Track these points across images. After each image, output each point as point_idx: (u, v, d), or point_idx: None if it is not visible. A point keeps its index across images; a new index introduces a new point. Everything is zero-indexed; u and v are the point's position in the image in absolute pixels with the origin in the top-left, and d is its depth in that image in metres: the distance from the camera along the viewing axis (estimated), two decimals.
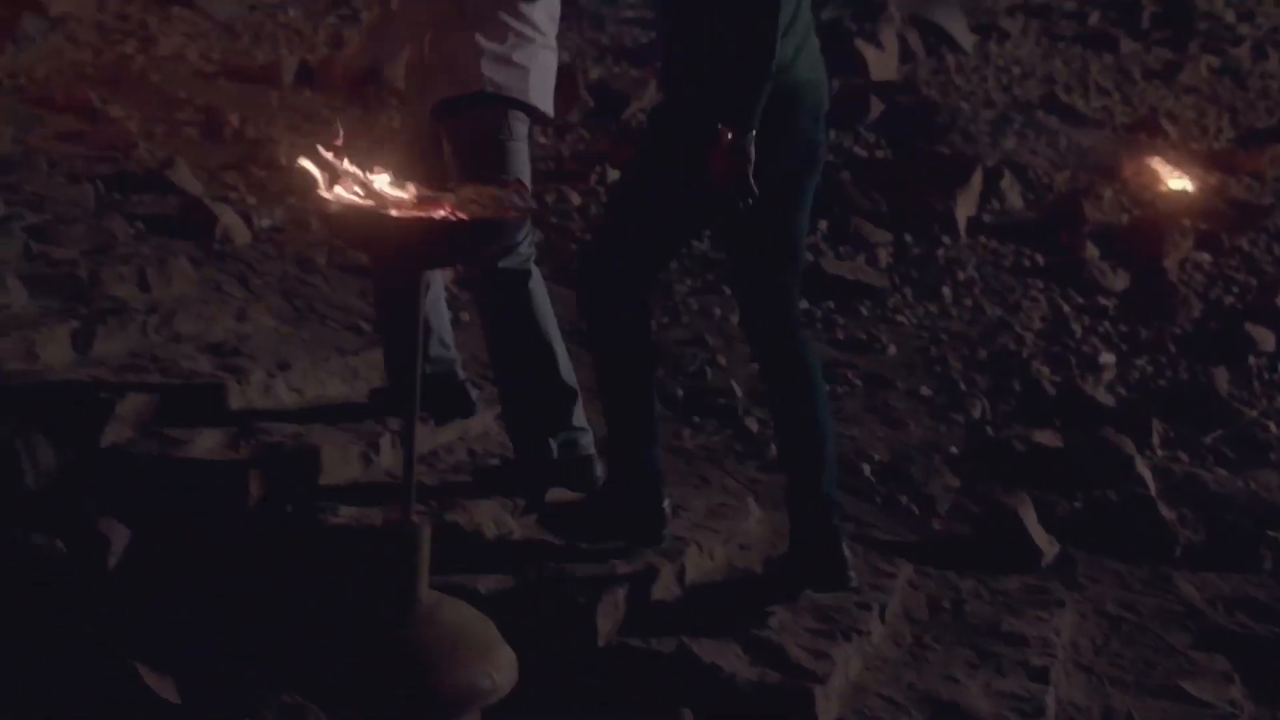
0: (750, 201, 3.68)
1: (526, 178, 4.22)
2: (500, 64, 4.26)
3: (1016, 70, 13.16)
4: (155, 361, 4.92)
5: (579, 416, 4.43)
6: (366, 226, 3.33)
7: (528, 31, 4.31)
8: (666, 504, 4.24)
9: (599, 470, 4.37)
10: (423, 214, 3.32)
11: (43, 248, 5.95)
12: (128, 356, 5.01)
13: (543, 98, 4.38)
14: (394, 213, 3.31)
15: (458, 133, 4.30)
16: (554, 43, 4.47)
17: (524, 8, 4.31)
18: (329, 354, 5.32)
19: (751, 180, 3.64)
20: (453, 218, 3.31)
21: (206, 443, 4.43)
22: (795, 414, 4.15)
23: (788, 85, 3.84)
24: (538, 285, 4.40)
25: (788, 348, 4.15)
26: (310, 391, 5.04)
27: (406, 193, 3.39)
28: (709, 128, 3.64)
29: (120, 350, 5.07)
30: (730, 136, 3.61)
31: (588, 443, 4.42)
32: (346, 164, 3.40)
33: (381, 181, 3.42)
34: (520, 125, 4.34)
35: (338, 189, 3.36)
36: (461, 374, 4.81)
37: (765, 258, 4.09)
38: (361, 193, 3.35)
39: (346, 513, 4.18)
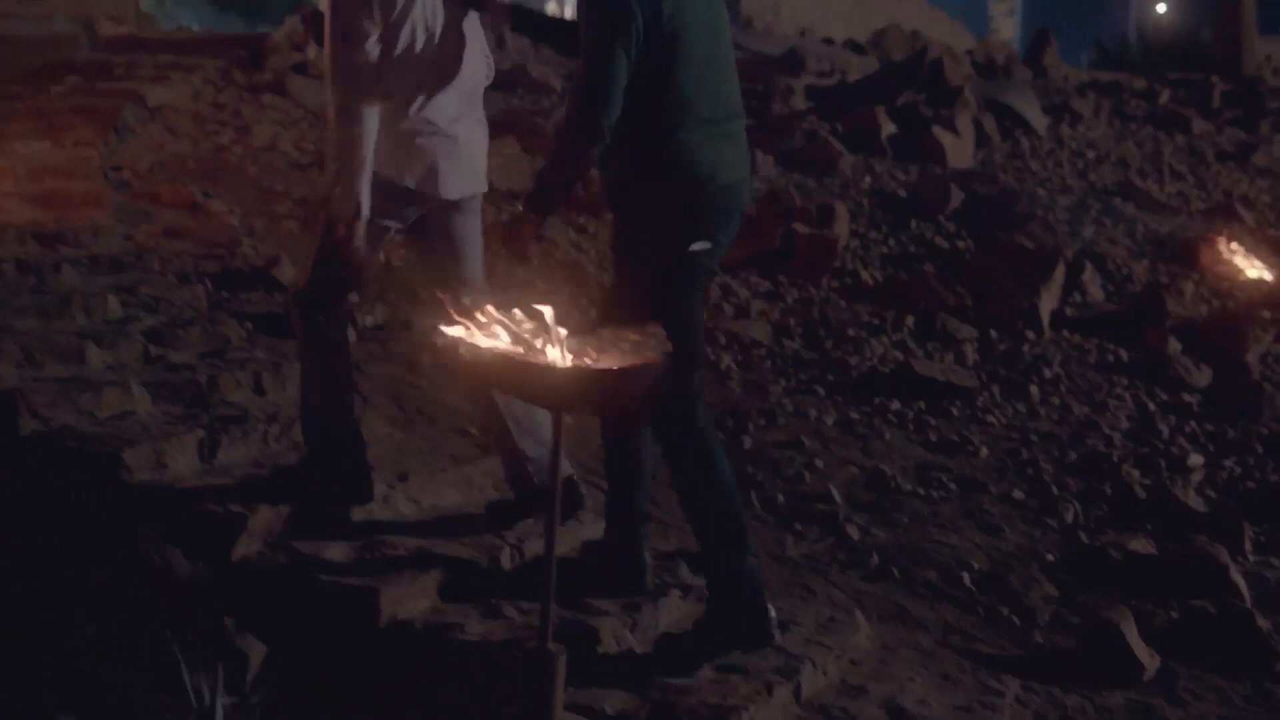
0: None
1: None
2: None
3: (1090, 154, 13.26)
4: (278, 471, 5.08)
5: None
6: (517, 375, 3.49)
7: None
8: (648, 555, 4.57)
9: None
10: (571, 363, 3.47)
11: (160, 350, 6.19)
12: (252, 465, 5.20)
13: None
14: (542, 361, 3.47)
15: None
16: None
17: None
18: (445, 463, 5.48)
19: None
20: (600, 366, 3.46)
21: (333, 556, 4.59)
22: (698, 479, 4.36)
23: (721, 188, 4.21)
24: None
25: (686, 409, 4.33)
26: (428, 501, 5.20)
27: (552, 335, 3.55)
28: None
29: (244, 459, 5.26)
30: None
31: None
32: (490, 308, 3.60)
33: (523, 321, 3.61)
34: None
35: (484, 331, 3.55)
36: (569, 468, 4.94)
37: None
38: (509, 337, 3.53)
39: (476, 630, 4.32)
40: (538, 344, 3.56)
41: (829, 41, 16.96)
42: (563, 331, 3.54)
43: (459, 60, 4.79)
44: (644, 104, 4.14)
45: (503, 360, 3.49)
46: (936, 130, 11.81)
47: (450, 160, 4.77)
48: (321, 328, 4.91)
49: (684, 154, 4.19)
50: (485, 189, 4.96)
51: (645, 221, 4.26)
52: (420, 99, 4.70)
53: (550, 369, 3.45)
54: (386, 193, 4.71)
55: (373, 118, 4.60)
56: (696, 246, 4.20)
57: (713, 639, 4.36)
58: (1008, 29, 40.98)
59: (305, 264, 4.95)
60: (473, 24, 4.86)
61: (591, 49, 4.09)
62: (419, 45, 4.65)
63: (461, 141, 4.80)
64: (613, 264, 4.53)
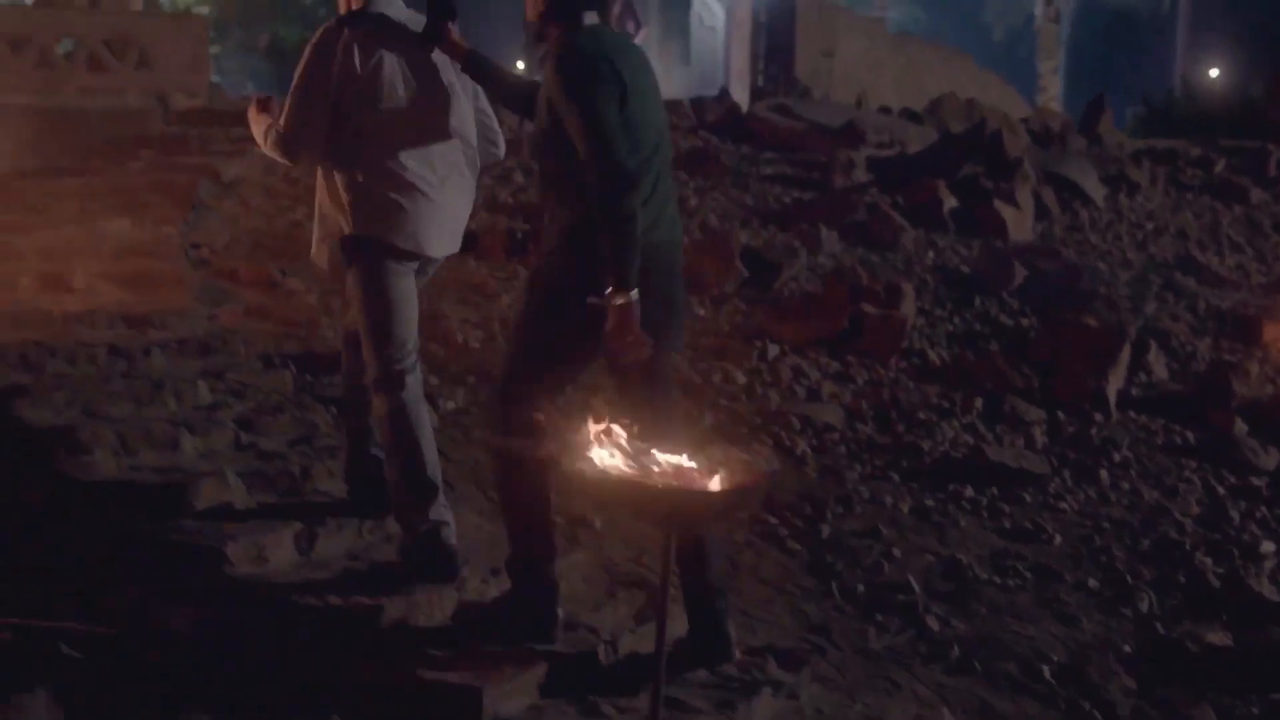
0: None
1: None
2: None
3: (1149, 225, 13.33)
4: (375, 567, 5.21)
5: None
6: (636, 497, 3.62)
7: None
8: (561, 612, 4.83)
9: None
10: (682, 484, 3.60)
11: (251, 438, 6.35)
12: (347, 559, 5.33)
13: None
14: (655, 483, 3.60)
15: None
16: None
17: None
18: None
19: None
20: (711, 488, 3.59)
21: (435, 652, 4.71)
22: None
23: (648, 246, 4.47)
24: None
25: None
26: None
27: (663, 456, 3.68)
28: (600, 311, 4.41)
29: (340, 552, 5.39)
30: (619, 304, 4.38)
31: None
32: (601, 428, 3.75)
33: (632, 441, 3.75)
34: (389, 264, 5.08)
35: (597, 452, 3.70)
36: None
37: (645, 394, 4.67)
38: (621, 459, 3.66)
39: None
40: (650, 463, 3.69)
41: (886, 110, 17.09)
42: (681, 458, 3.67)
43: (438, 122, 5.12)
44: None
45: (622, 482, 3.61)
46: (998, 204, 11.92)
47: (431, 220, 5.10)
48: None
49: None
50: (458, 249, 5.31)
51: (575, 270, 4.55)
52: (400, 158, 5.03)
53: (669, 492, 3.57)
54: (384, 249, 5.05)
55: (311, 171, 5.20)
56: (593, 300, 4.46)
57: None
58: (1054, 85, 41.03)
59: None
60: (459, 90, 5.19)
61: (588, 116, 4.42)
62: (392, 104, 5.00)
63: (443, 204, 5.13)
64: (524, 301, 4.84)
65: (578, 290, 4.49)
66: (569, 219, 4.57)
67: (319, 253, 5.46)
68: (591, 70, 4.45)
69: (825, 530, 6.63)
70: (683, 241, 4.92)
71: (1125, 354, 9.06)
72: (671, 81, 26.61)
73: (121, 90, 13.60)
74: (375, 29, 5.03)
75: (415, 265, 5.21)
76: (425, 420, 5.20)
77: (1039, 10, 42.23)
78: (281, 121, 5.05)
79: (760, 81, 22.31)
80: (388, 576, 5.10)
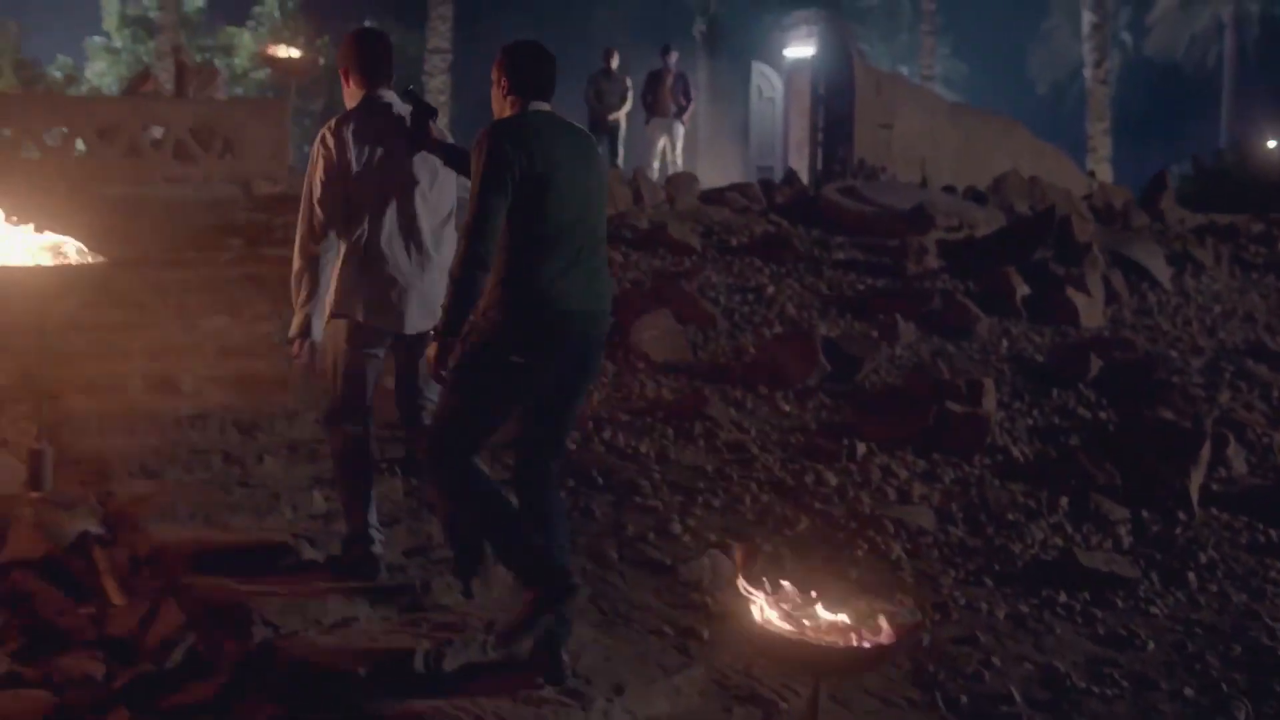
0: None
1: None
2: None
3: (1216, 309, 13.44)
4: (499, 682, 5.41)
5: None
6: (795, 652, 3.81)
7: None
8: None
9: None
10: (839, 642, 3.80)
11: None
12: (473, 675, 5.53)
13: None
14: (817, 642, 3.79)
15: None
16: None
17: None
18: (655, 673, 5.76)
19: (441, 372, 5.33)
20: (870, 645, 3.78)
21: None
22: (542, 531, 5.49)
23: (560, 313, 5.26)
24: None
25: (546, 487, 5.62)
26: (642, 713, 5.49)
27: (820, 614, 3.88)
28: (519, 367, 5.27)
29: (465, 667, 5.58)
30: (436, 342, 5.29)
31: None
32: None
33: (793, 597, 3.95)
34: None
35: (766, 611, 3.91)
36: None
37: (548, 434, 5.59)
38: (783, 618, 3.87)
39: None
40: (804, 617, 3.88)
41: (950, 190, 17.28)
42: (837, 616, 3.86)
43: (412, 205, 5.90)
44: (514, 237, 5.25)
45: (784, 639, 3.80)
46: (1070, 292, 12.07)
47: (409, 299, 5.89)
48: (350, 438, 6.14)
49: (540, 283, 5.25)
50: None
51: (495, 332, 5.27)
52: (381, 241, 5.82)
53: (830, 650, 3.76)
54: (361, 329, 5.87)
55: (327, 254, 5.83)
56: (516, 359, 5.25)
57: None
58: (1104, 146, 41.03)
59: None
60: (441, 176, 6.01)
61: (476, 191, 5.20)
62: (374, 190, 5.79)
63: (420, 284, 5.91)
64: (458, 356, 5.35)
65: (502, 348, 5.24)
66: (493, 281, 5.25)
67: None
68: (490, 153, 5.20)
69: (925, 638, 6.77)
70: (607, 312, 5.56)
71: (1205, 450, 9.17)
72: (729, 153, 26.90)
73: (207, 177, 13.93)
74: (378, 123, 5.89)
75: (389, 340, 6.03)
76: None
77: (1089, 72, 42.19)
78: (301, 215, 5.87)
79: (820, 156, 22.51)
80: (517, 692, 5.30)
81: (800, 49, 23.23)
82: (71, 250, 6.82)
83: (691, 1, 53.79)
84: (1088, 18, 41.85)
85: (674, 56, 24.07)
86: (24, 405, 8.28)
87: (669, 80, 23.55)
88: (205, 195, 13.48)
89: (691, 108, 23.84)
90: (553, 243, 5.27)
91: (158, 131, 14.72)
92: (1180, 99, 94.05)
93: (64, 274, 6.87)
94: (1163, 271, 13.97)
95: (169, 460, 7.38)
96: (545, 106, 5.51)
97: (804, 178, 23.33)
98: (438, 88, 38.24)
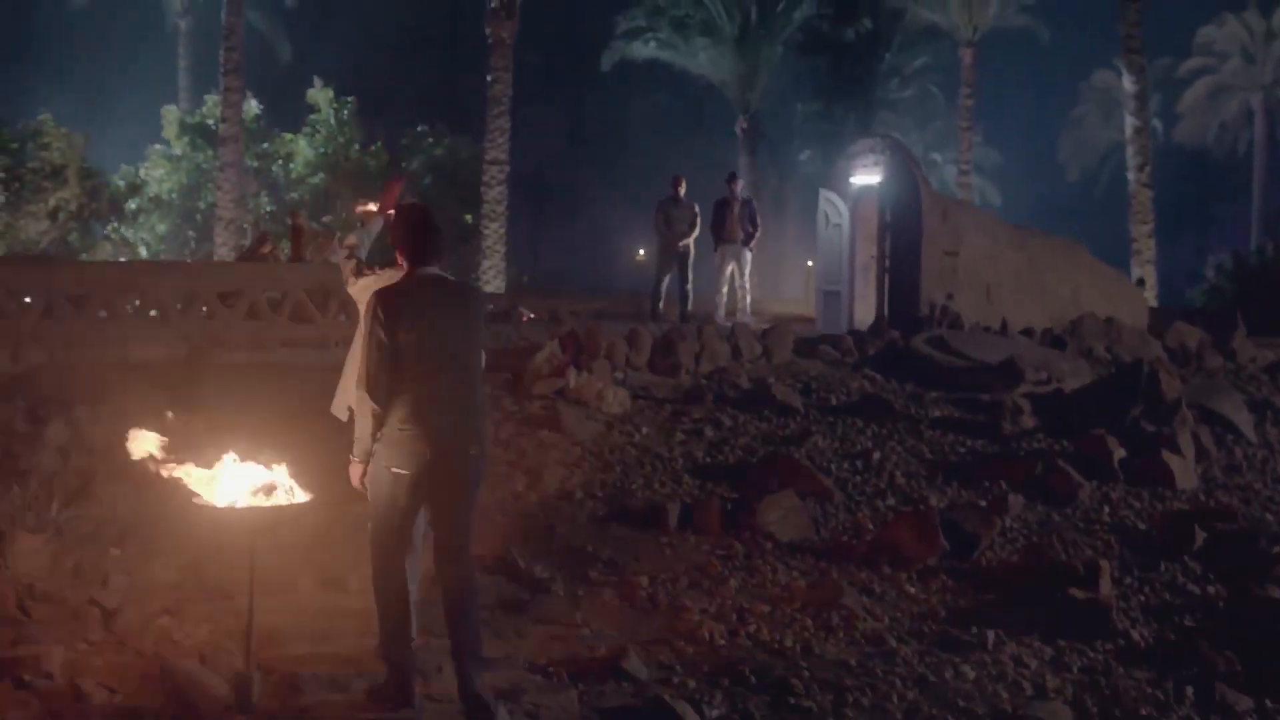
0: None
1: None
2: None
3: None
4: None
5: None
6: None
7: None
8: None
9: None
10: None
11: None
12: None
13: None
14: None
15: None
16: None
17: None
18: None
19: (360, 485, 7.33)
20: None
21: None
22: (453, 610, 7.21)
23: (439, 446, 7.02)
24: None
25: (464, 579, 7.29)
26: None
27: None
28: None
29: None
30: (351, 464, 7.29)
31: None
32: None
33: None
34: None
35: None
36: None
37: (443, 540, 7.34)
38: None
39: None
40: None
41: (1028, 333, 17.74)
42: None
43: (449, 371, 7.13)
44: (395, 379, 7.00)
45: None
46: (1165, 455, 12.48)
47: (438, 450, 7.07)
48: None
49: (408, 410, 7.01)
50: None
51: (383, 451, 7.10)
52: (420, 401, 7.03)
53: None
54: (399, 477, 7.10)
55: (374, 406, 7.08)
56: (397, 470, 7.07)
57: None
58: (1148, 249, 41.60)
59: None
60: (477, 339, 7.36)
61: (364, 348, 7.14)
62: (412, 357, 7.01)
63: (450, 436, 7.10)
64: None
65: (387, 461, 7.08)
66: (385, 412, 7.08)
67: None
68: (374, 309, 7.04)
69: None
70: (469, 449, 7.19)
71: None
72: (792, 281, 27.43)
73: (323, 339, 14.43)
74: (424, 296, 7.15)
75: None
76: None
77: (1132, 175, 42.68)
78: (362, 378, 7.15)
79: (887, 282, 23.03)
80: None
81: (866, 176, 23.73)
82: (282, 487, 7.28)
83: (731, 98, 54.66)
84: (1130, 122, 42.34)
85: (739, 185, 24.73)
86: (200, 606, 8.77)
87: (736, 208, 24.18)
88: (327, 360, 13.92)
89: (758, 235, 24.44)
90: (423, 379, 7.03)
91: None
92: (1211, 185, 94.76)
93: (277, 513, 7.34)
94: (1246, 423, 14.36)
95: (357, 674, 7.77)
96: (431, 270, 7.27)
97: (872, 306, 23.83)
98: (495, 198, 38.82)
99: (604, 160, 71.85)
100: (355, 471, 7.28)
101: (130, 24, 61.65)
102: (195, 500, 7.25)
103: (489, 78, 38.78)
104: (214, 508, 7.18)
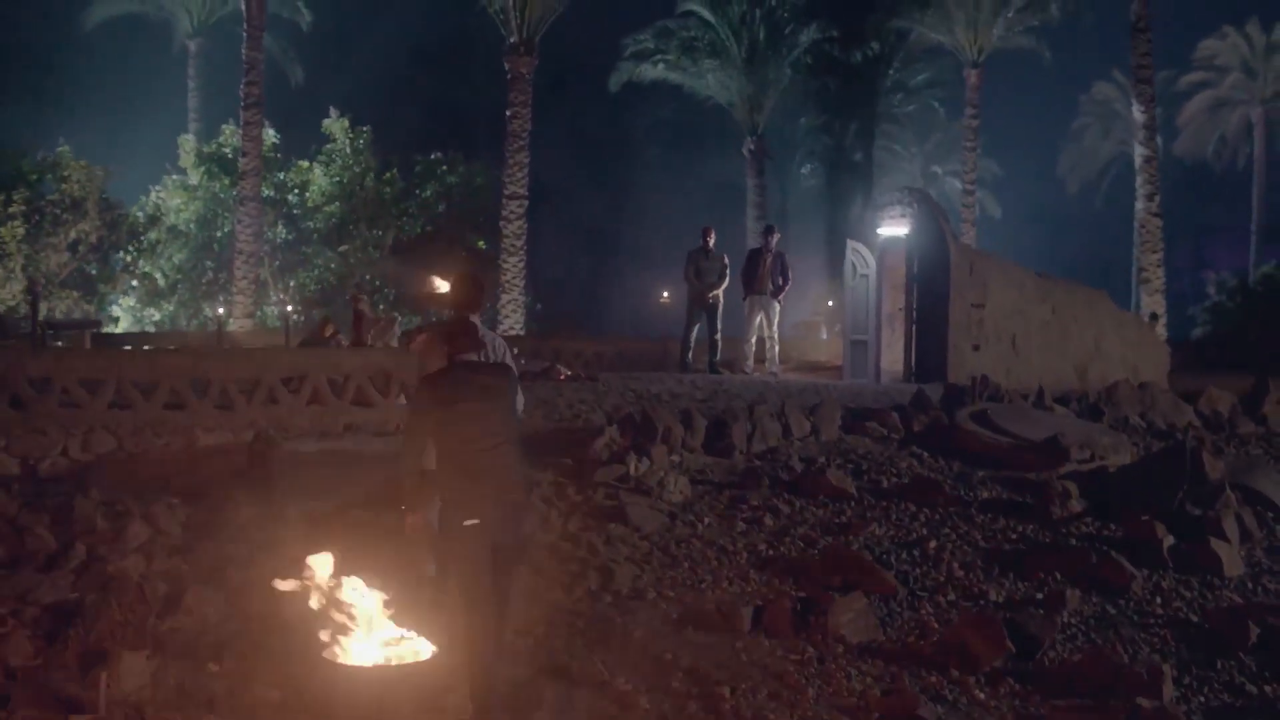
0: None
1: None
2: None
3: None
4: None
5: None
6: None
7: None
8: None
9: None
10: None
11: None
12: None
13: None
14: None
15: None
16: None
17: None
18: None
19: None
20: None
21: None
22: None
23: (470, 507, 8.71)
24: None
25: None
26: None
27: None
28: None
29: None
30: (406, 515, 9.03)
31: None
32: None
33: None
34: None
35: None
36: None
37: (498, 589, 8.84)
38: None
39: None
40: None
41: (1064, 401, 18.05)
42: None
43: (474, 441, 8.81)
44: (438, 447, 8.79)
45: None
46: (1213, 543, 12.77)
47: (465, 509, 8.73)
48: None
49: (449, 474, 8.75)
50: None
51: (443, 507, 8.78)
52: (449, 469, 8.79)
53: None
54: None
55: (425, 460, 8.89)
56: (468, 523, 8.63)
57: None
58: (1158, 278, 41.98)
59: None
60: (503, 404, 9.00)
61: (407, 421, 9.10)
62: (448, 431, 8.74)
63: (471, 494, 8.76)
64: None
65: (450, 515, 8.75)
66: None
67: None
68: (416, 399, 8.97)
69: None
70: (506, 484, 8.85)
71: None
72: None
73: (384, 422, 14.76)
74: (458, 377, 8.83)
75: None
76: None
77: (1140, 204, 43.09)
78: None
79: (914, 333, 23.36)
80: None
81: (893, 228, 24.11)
82: (408, 644, 7.61)
83: (739, 119, 55.02)
84: (1140, 151, 42.78)
85: (775, 238, 25.10)
86: None
87: (768, 260, 24.56)
88: (389, 446, 14.24)
89: (788, 287, 24.82)
90: (458, 449, 8.74)
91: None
92: (1210, 199, 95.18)
93: (402, 674, 7.66)
94: None
95: None
96: (470, 357, 9.05)
97: (898, 354, 24.15)
98: (515, 232, 39.16)
99: (612, 185, 72.23)
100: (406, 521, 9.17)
101: (140, 46, 61.96)
102: (325, 656, 7.55)
103: (508, 112, 39.16)
104: (345, 666, 7.48)
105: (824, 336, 40.02)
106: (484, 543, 8.59)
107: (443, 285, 18.71)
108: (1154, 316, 39.34)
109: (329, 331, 20.00)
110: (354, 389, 15.32)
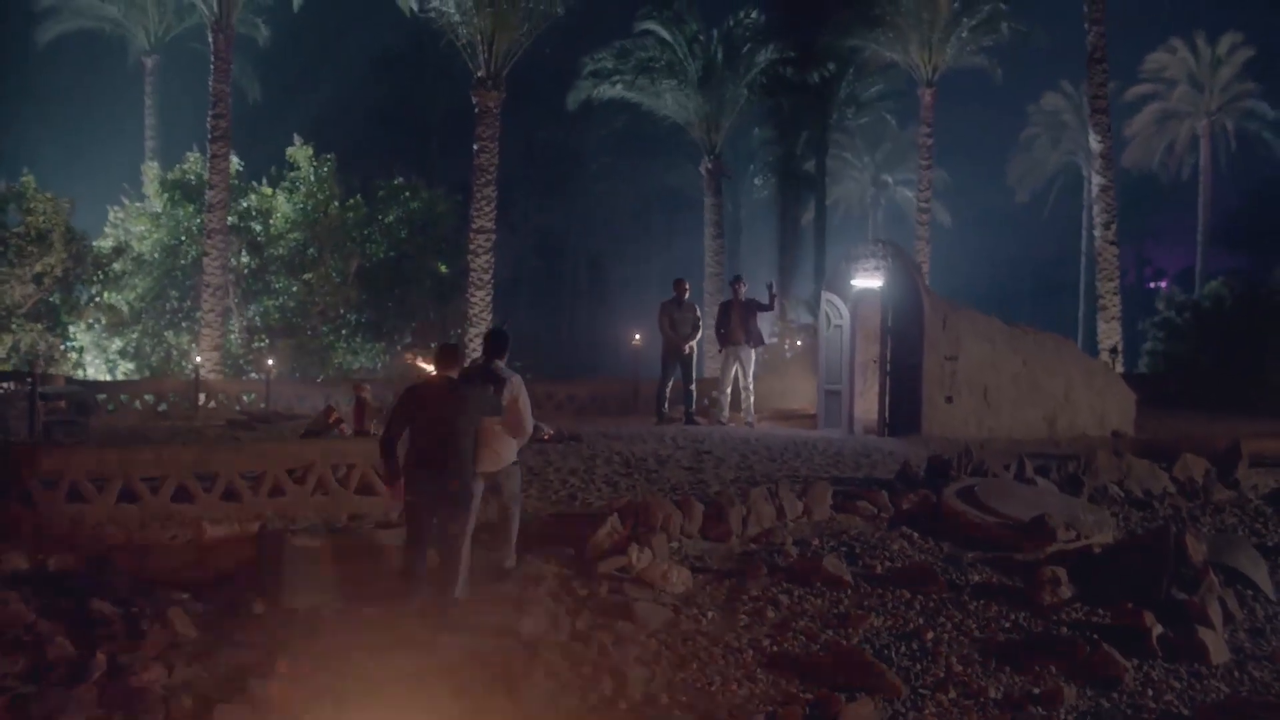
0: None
1: None
2: None
3: None
4: None
5: None
6: None
7: None
8: None
9: None
10: None
11: None
12: None
13: None
14: None
15: None
16: None
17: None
18: None
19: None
20: None
21: None
22: None
23: (426, 473, 13.22)
24: None
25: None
26: None
27: None
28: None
29: None
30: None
31: None
32: None
33: None
34: None
35: None
36: None
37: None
38: None
39: None
40: None
41: (1043, 472, 18.44)
42: None
43: (439, 434, 13.17)
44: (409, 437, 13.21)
45: None
46: (1201, 632, 13.18)
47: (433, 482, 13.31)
48: None
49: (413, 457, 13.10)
50: None
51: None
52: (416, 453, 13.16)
53: None
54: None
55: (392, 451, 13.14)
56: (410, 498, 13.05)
57: None
58: (1114, 305, 42.60)
59: None
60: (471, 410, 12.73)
61: (387, 418, 13.20)
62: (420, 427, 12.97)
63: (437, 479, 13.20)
64: None
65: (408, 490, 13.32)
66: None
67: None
68: (399, 399, 13.24)
69: None
70: (454, 469, 13.10)
71: None
72: (797, 378, 28.14)
73: (387, 512, 14.98)
74: (438, 389, 13.01)
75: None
76: None
77: (1098, 232, 43.67)
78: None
79: (889, 384, 23.77)
80: None
81: (866, 280, 24.54)
82: None
83: (696, 138, 55.39)
84: (1097, 180, 43.39)
85: (744, 287, 25.50)
86: None
87: (739, 310, 24.96)
88: (394, 538, 14.45)
89: (762, 348, 25.27)
90: (424, 437, 12.97)
91: None
92: (1156, 210, 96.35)
93: None
94: (1264, 580, 15.06)
95: None
96: (452, 373, 13.28)
97: (871, 403, 24.53)
98: (482, 266, 39.33)
99: (575, 206, 72.66)
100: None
101: (95, 64, 61.68)
102: None
103: (475, 146, 39.28)
104: None
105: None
106: (425, 508, 13.11)
107: (426, 366, 20.75)
108: (1114, 352, 39.95)
109: (333, 418, 20.31)
110: (358, 478, 15.57)
